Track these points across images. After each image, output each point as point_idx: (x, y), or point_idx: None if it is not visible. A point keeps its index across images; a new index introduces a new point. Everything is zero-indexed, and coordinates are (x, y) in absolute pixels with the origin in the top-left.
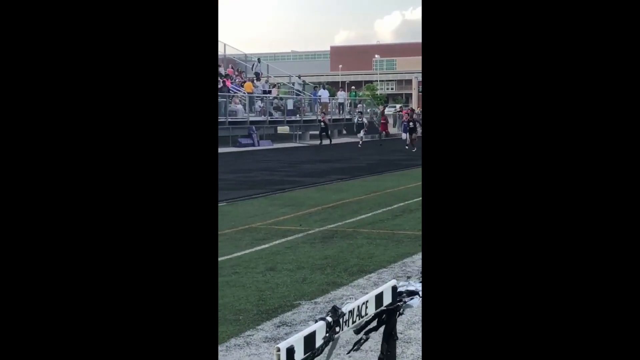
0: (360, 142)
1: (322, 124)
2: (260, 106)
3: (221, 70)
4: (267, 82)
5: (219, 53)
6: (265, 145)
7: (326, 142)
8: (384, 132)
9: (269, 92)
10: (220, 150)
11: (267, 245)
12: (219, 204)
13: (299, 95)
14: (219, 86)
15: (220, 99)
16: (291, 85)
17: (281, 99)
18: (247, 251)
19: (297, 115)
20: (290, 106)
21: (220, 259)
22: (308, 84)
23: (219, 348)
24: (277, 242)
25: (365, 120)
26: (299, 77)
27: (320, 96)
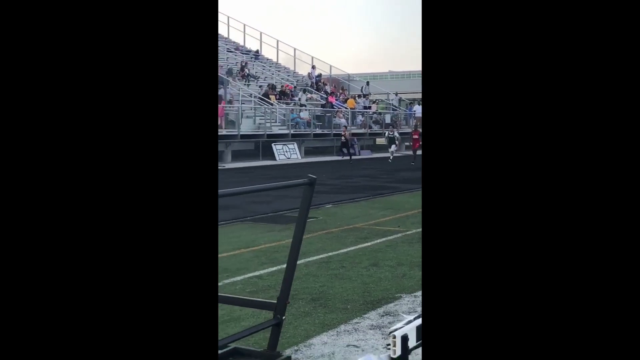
0: (391, 157)
1: (342, 138)
2: (361, 120)
3: (327, 88)
4: (367, 98)
5: (325, 73)
6: (366, 154)
7: (348, 157)
8: (416, 149)
9: (369, 107)
10: (326, 158)
11: (369, 244)
12: (326, 206)
13: (396, 110)
14: (323, 103)
15: (326, 114)
16: (389, 101)
17: (380, 113)
18: (351, 248)
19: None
20: (387, 120)
21: (328, 254)
22: (404, 100)
23: (330, 333)
24: (378, 241)
25: (397, 134)
26: (396, 94)
27: (415, 111)
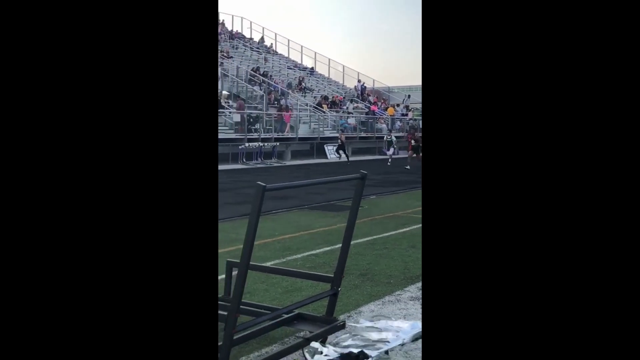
0: (390, 160)
1: (339, 141)
2: (399, 125)
3: (370, 98)
4: (405, 107)
5: (369, 86)
6: (403, 154)
7: (344, 159)
8: (413, 154)
9: (406, 114)
10: (369, 157)
11: (408, 229)
12: (370, 197)
13: None
14: (367, 111)
15: (369, 120)
16: None
17: (415, 120)
18: (393, 232)
19: None
20: (421, 125)
21: (373, 237)
22: None
23: (376, 302)
24: (415, 226)
25: (394, 138)
26: None
27: None
